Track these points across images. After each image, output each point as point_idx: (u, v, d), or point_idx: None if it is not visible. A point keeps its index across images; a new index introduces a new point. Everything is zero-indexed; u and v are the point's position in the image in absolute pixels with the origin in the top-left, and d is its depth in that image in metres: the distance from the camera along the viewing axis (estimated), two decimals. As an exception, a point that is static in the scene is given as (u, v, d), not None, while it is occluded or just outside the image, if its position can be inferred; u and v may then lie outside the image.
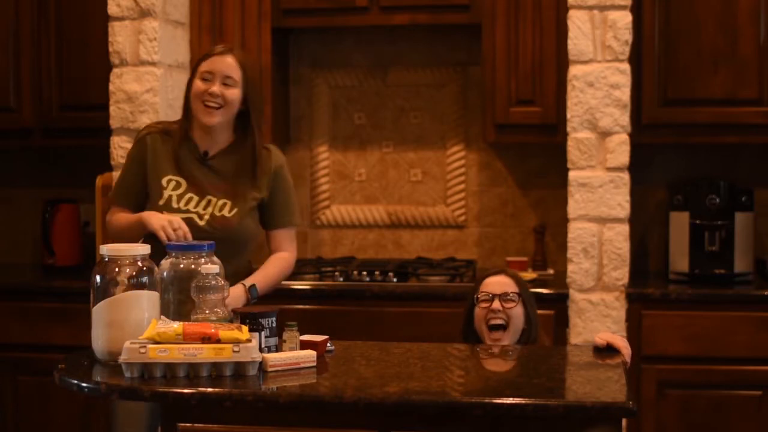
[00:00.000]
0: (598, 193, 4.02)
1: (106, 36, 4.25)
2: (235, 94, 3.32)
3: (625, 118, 4.02)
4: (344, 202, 4.84)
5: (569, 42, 4.02)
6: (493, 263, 4.59)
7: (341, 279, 4.31)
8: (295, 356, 2.73)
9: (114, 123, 4.23)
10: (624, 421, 2.83)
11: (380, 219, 4.81)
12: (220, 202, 3.34)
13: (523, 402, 2.44)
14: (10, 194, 5.04)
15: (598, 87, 4.01)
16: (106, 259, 2.79)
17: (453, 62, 4.75)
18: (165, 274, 2.90)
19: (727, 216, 4.24)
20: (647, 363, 4.03)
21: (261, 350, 2.71)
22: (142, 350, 2.59)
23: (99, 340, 2.78)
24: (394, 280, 4.28)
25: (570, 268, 4.06)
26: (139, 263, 2.79)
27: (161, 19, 4.20)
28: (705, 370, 4.01)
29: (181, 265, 2.90)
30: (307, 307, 4.19)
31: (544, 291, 4.07)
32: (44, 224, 4.71)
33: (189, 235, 3.16)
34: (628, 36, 4.00)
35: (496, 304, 3.26)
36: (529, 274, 4.31)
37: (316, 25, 4.59)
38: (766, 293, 4.03)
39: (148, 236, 3.19)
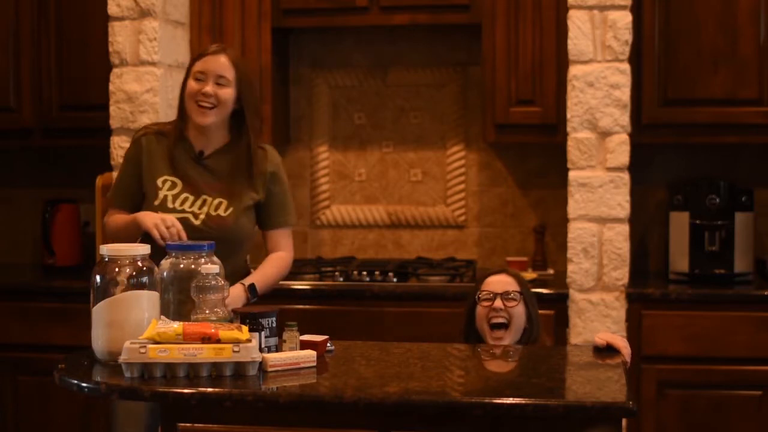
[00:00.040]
0: (598, 193, 4.02)
1: (106, 36, 4.25)
2: (228, 93, 3.32)
3: (625, 118, 4.02)
4: (344, 202, 4.84)
5: (569, 42, 4.02)
6: (493, 263, 4.59)
7: (341, 279, 4.31)
8: (295, 356, 2.73)
9: (114, 123, 4.23)
10: (624, 421, 2.83)
11: (380, 219, 4.81)
12: (216, 201, 3.34)
13: (523, 402, 2.44)
14: (10, 194, 5.04)
15: (598, 87, 4.01)
16: (106, 259, 2.79)
17: (453, 62, 4.75)
18: (165, 274, 2.90)
19: (727, 216, 4.24)
20: (647, 363, 4.03)
21: (261, 350, 2.71)
22: (142, 350, 2.59)
23: (99, 340, 2.78)
24: (394, 280, 4.28)
25: (570, 268, 4.06)
26: (139, 263, 2.79)
27: (161, 19, 4.20)
28: (705, 370, 4.01)
29: (181, 265, 2.90)
30: (307, 307, 4.19)
31: (544, 291, 4.07)
32: (44, 224, 4.71)
33: (183, 233, 3.16)
34: (628, 36, 4.00)
35: (498, 303, 3.27)
36: (529, 274, 4.31)
37: (316, 25, 4.59)
38: (766, 293, 4.03)
39: (146, 236, 3.19)
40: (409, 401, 2.48)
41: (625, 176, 4.03)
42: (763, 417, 3.99)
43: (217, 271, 2.82)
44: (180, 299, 2.89)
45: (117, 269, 2.77)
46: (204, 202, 3.34)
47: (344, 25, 4.60)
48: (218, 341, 2.62)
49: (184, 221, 3.25)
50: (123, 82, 4.20)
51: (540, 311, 3.43)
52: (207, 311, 2.78)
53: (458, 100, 4.75)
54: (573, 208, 4.04)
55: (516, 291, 3.29)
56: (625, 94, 4.01)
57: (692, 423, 4.03)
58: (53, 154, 4.96)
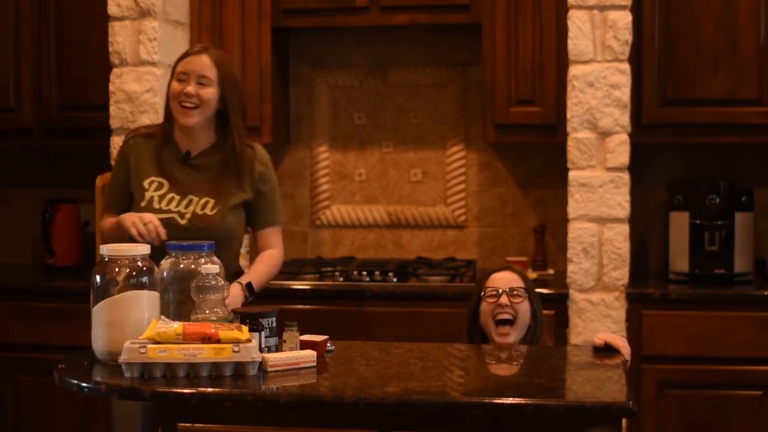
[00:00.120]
0: (598, 193, 4.02)
1: (106, 36, 4.25)
2: (210, 93, 3.32)
3: (625, 118, 4.02)
4: (344, 202, 4.84)
5: (569, 42, 4.02)
6: (493, 263, 4.59)
7: (341, 279, 4.31)
8: (295, 356, 2.73)
9: (114, 123, 4.24)
10: (624, 421, 2.83)
11: (380, 219, 4.81)
12: (203, 201, 3.33)
13: (523, 402, 2.44)
14: (10, 194, 5.04)
15: (598, 87, 4.01)
16: (106, 259, 2.80)
17: (453, 62, 4.75)
18: (165, 274, 2.90)
19: (727, 216, 4.24)
20: (647, 363, 4.03)
21: (261, 350, 2.71)
22: (142, 350, 2.59)
23: (99, 340, 2.78)
24: (394, 280, 4.27)
25: (570, 268, 4.06)
26: (139, 263, 2.79)
27: (161, 19, 4.20)
28: (705, 370, 4.01)
29: (181, 265, 2.90)
30: (307, 307, 4.19)
31: (544, 291, 4.06)
32: (44, 224, 4.71)
33: (161, 229, 3.15)
34: (628, 36, 4.00)
35: (504, 299, 3.27)
36: (529, 274, 4.29)
37: (316, 25, 4.59)
38: (766, 293, 4.03)
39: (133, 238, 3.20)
40: (409, 401, 2.48)
41: (625, 176, 4.03)
42: (763, 417, 3.99)
43: (217, 271, 2.82)
44: (180, 299, 2.89)
45: (117, 269, 2.77)
46: (190, 201, 3.34)
47: (344, 25, 4.60)
48: (218, 341, 2.62)
49: (170, 221, 3.26)
50: (123, 82, 4.21)
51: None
52: (207, 311, 2.78)
53: (458, 100, 4.75)
54: (573, 208, 4.04)
55: (521, 287, 3.30)
56: (625, 94, 4.01)
57: (692, 423, 4.03)
58: (53, 154, 4.96)
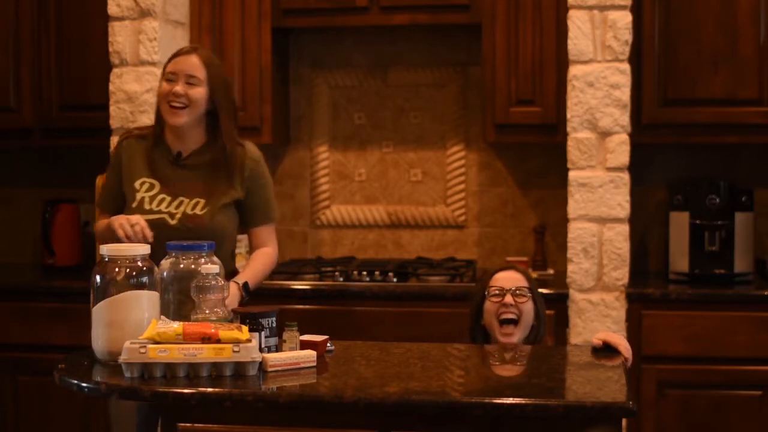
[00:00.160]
0: (598, 193, 4.02)
1: (106, 36, 4.25)
2: (199, 93, 3.32)
3: (625, 118, 4.02)
4: (344, 202, 4.84)
5: (569, 42, 4.02)
6: (493, 263, 4.58)
7: (341, 279, 4.31)
8: (295, 356, 2.73)
9: (114, 123, 4.24)
10: (624, 421, 2.83)
11: (380, 219, 4.81)
12: (193, 201, 3.33)
13: (523, 402, 2.44)
14: (10, 194, 5.04)
15: (598, 87, 4.01)
16: (106, 259, 2.80)
17: (453, 62, 4.75)
18: (165, 274, 2.90)
19: (727, 216, 4.24)
20: (647, 363, 4.03)
21: (261, 350, 2.71)
22: (142, 350, 2.59)
23: (99, 340, 2.78)
24: (394, 280, 4.27)
25: (570, 268, 4.06)
26: (139, 263, 2.79)
27: (161, 19, 4.20)
28: (705, 370, 4.01)
29: (181, 265, 2.90)
30: (307, 307, 4.19)
31: (544, 291, 4.05)
32: (44, 224, 4.71)
33: (147, 230, 3.14)
34: (628, 36, 4.00)
35: (509, 299, 3.26)
36: (529, 274, 4.31)
37: (316, 25, 4.59)
38: (766, 293, 4.03)
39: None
40: (409, 401, 2.48)
41: (625, 176, 4.03)
42: (763, 417, 3.99)
43: (217, 271, 2.82)
44: (180, 299, 2.89)
45: (117, 269, 2.77)
46: (181, 202, 3.34)
47: (344, 25, 4.60)
48: (218, 341, 2.62)
49: (160, 221, 3.27)
50: (123, 82, 4.21)
51: (542, 310, 3.43)
52: (207, 311, 2.78)
53: (458, 100, 4.75)
54: (573, 208, 4.04)
55: (526, 287, 3.30)
56: (625, 94, 4.01)
57: (692, 423, 4.03)
58: (53, 154, 4.96)
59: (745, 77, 4.19)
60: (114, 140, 4.22)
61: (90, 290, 2.80)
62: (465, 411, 2.47)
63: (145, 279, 2.78)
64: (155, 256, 2.91)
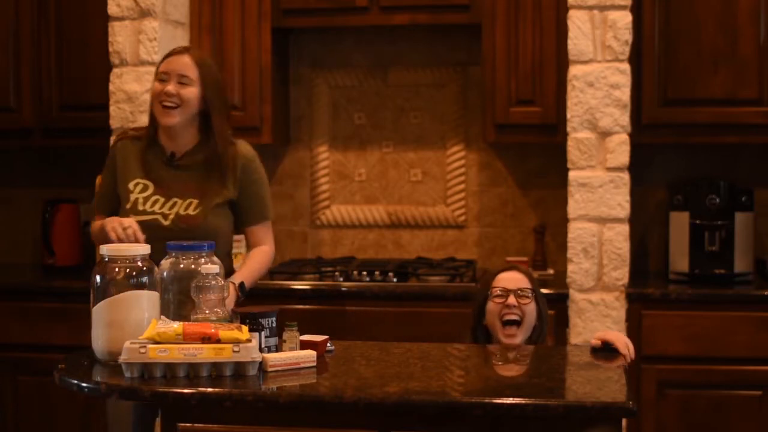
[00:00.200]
0: (598, 193, 4.02)
1: (106, 36, 4.25)
2: (191, 92, 3.32)
3: (625, 118, 4.02)
4: (344, 202, 4.84)
5: (569, 42, 4.02)
6: (493, 263, 4.59)
7: (341, 279, 4.31)
8: (295, 356, 2.73)
9: (114, 123, 4.24)
10: (624, 421, 2.83)
11: (380, 219, 4.81)
12: (187, 202, 3.34)
13: (523, 402, 2.44)
14: (10, 194, 5.04)
15: (598, 87, 4.01)
16: (106, 259, 2.80)
17: (453, 62, 4.75)
18: (165, 274, 2.90)
19: (727, 216, 4.24)
20: (647, 363, 4.03)
21: (261, 350, 2.71)
22: (142, 350, 2.59)
23: (99, 340, 2.78)
24: (394, 280, 4.27)
25: (570, 268, 4.06)
26: (139, 263, 2.80)
27: (161, 19, 4.20)
28: (705, 370, 4.01)
29: (181, 265, 2.90)
30: (307, 307, 4.19)
31: (544, 291, 4.06)
32: (44, 224, 4.71)
33: (139, 233, 3.14)
34: (628, 36, 4.00)
35: (512, 300, 3.26)
36: (529, 274, 4.31)
37: (316, 25, 4.59)
38: (766, 293, 4.03)
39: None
40: (409, 401, 2.48)
41: (625, 176, 4.03)
42: (763, 417, 3.99)
43: (217, 271, 2.82)
44: (180, 299, 2.89)
45: (117, 269, 2.77)
46: (174, 203, 3.34)
47: (344, 25, 4.60)
48: (218, 341, 2.62)
49: (153, 222, 3.28)
50: (123, 82, 4.21)
51: (543, 310, 3.43)
52: (207, 311, 2.78)
53: (458, 100, 4.75)
54: (573, 208, 4.04)
55: (529, 288, 3.30)
56: (625, 94, 4.01)
57: (692, 423, 4.03)
58: (53, 154, 4.96)
59: (745, 77, 4.19)
60: (114, 140, 4.22)
61: (90, 290, 2.80)
62: (465, 411, 2.47)
63: (145, 279, 2.79)
64: (159, 256, 2.92)
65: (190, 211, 3.32)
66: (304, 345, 2.83)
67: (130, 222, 3.18)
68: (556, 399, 2.51)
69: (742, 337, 3.99)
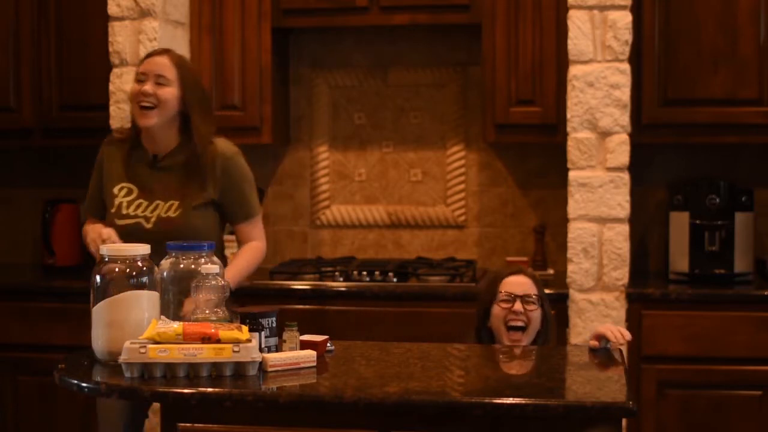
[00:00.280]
0: (598, 193, 4.02)
1: (106, 36, 4.25)
2: (168, 92, 3.31)
3: (625, 118, 4.02)
4: (344, 202, 4.84)
5: (569, 42, 4.02)
6: (493, 263, 4.59)
7: (341, 279, 4.31)
8: (295, 356, 2.73)
9: (114, 123, 4.23)
10: (624, 421, 2.83)
11: (380, 219, 4.81)
12: (168, 203, 3.34)
13: (523, 402, 2.44)
14: (10, 194, 5.04)
15: (598, 87, 4.00)
16: (106, 259, 2.80)
17: (453, 62, 4.75)
18: (165, 274, 2.90)
19: (727, 216, 4.24)
20: (647, 363, 4.03)
21: (261, 350, 2.71)
22: (142, 350, 2.59)
23: (99, 340, 2.78)
24: (394, 280, 4.27)
25: (570, 268, 4.06)
26: (139, 263, 2.80)
27: (161, 19, 4.20)
28: (705, 370, 4.01)
29: (181, 265, 2.90)
30: (307, 307, 4.19)
31: (545, 291, 4.06)
32: (44, 224, 4.71)
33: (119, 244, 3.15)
34: (628, 36, 4.00)
35: (518, 306, 3.26)
36: (529, 274, 4.31)
37: (316, 25, 4.59)
38: (766, 293, 4.02)
39: None
40: (409, 401, 2.48)
41: (625, 176, 4.03)
42: (763, 417, 3.99)
43: (217, 271, 2.82)
44: (180, 299, 2.89)
45: (117, 269, 2.78)
46: (157, 206, 3.34)
47: (344, 25, 4.60)
48: (218, 341, 2.62)
49: (136, 226, 3.30)
50: (123, 82, 4.20)
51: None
52: (207, 311, 2.78)
53: (458, 100, 4.75)
54: (573, 208, 4.04)
55: (535, 294, 3.29)
56: (625, 94, 4.01)
57: (692, 423, 4.03)
58: (53, 154, 4.96)
59: (745, 77, 4.19)
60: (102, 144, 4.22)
61: (90, 290, 2.80)
62: (465, 411, 2.48)
63: (145, 279, 2.79)
64: (159, 256, 2.92)
65: (171, 213, 3.33)
66: (304, 345, 2.83)
67: (109, 234, 3.18)
68: (556, 399, 2.51)
69: (742, 337, 3.99)
